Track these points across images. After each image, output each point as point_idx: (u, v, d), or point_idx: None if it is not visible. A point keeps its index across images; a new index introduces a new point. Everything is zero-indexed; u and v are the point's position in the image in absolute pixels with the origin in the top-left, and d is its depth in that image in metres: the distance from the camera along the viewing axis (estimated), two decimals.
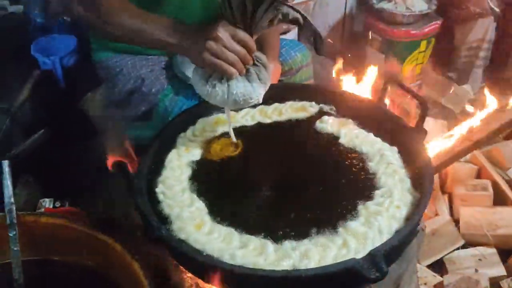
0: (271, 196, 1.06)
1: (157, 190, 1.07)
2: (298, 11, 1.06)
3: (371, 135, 1.20)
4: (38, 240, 1.41)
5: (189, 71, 1.63)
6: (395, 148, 1.15)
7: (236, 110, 1.27)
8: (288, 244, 0.93)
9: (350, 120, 1.25)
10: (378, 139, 1.19)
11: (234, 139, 1.19)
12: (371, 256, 0.84)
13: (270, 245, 0.92)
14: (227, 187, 1.10)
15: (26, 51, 2.17)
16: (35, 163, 1.80)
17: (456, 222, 1.68)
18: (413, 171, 1.08)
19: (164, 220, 1.00)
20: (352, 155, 1.16)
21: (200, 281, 1.19)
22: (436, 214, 1.70)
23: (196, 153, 1.17)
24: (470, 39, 2.44)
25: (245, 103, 1.09)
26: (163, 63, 1.62)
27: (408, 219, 0.97)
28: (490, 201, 1.71)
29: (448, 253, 1.61)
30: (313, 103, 1.31)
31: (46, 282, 1.42)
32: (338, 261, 0.88)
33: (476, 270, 1.55)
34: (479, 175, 1.84)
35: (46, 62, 2.16)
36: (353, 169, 1.12)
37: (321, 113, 1.30)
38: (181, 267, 1.20)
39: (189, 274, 1.22)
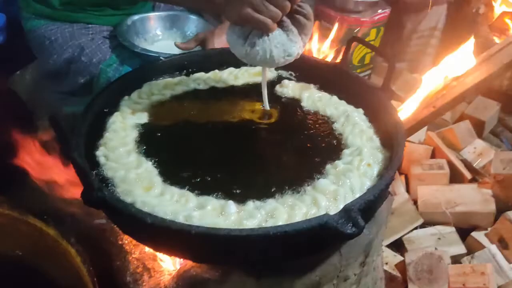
0: (230, 158, 0.95)
1: (97, 153, 0.93)
2: None
3: (335, 97, 1.12)
4: None
5: (136, 39, 1.50)
6: (360, 110, 1.08)
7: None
8: (251, 204, 0.82)
9: (311, 85, 1.17)
10: (342, 101, 1.11)
11: (267, 106, 1.08)
12: (346, 210, 0.75)
13: (231, 205, 0.81)
14: (180, 149, 0.97)
15: None
16: None
17: (414, 201, 1.63)
18: (381, 130, 1.01)
19: (106, 184, 0.86)
20: (316, 118, 1.08)
21: (147, 261, 1.06)
22: (394, 194, 1.64)
23: (143, 116, 1.04)
24: (422, 27, 2.44)
25: (286, 59, 0.99)
26: (105, 33, 1.48)
27: (380, 177, 0.89)
28: (446, 179, 1.68)
29: (408, 233, 1.56)
30: (272, 68, 1.22)
31: None
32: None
33: (436, 249, 1.50)
34: (433, 155, 1.81)
35: None
36: (318, 130, 1.04)
37: (279, 79, 1.21)
38: (126, 246, 1.07)
39: (135, 255, 1.08)
